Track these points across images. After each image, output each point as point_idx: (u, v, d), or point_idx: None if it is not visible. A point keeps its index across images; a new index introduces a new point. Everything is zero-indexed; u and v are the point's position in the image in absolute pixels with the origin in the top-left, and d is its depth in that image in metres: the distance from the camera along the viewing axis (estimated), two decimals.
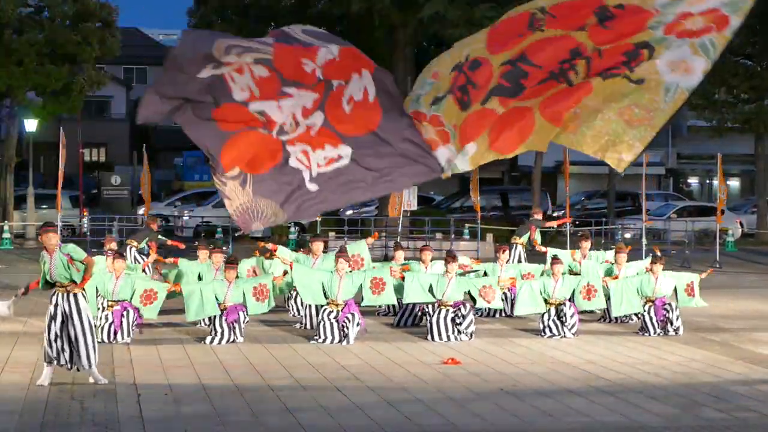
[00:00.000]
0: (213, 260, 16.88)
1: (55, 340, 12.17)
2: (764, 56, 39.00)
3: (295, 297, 17.58)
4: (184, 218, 37.45)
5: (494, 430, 10.56)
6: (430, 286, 16.00)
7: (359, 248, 17.98)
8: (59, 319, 12.18)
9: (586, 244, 18.72)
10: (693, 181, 56.28)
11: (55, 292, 12.28)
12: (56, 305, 12.23)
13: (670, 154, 54.37)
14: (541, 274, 17.63)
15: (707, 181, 53.91)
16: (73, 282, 12.19)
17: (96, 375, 12.31)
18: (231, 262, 16.09)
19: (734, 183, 56.80)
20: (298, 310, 17.47)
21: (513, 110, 19.06)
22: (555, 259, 16.92)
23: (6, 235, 32.57)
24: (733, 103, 39.84)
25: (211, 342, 15.29)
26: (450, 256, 16.38)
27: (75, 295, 12.23)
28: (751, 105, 39.46)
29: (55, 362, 12.24)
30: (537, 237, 21.80)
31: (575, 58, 19.53)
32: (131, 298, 15.49)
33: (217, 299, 15.52)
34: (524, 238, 21.60)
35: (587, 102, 19.45)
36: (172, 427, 10.43)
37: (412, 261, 18.31)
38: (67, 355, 12.21)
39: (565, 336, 16.14)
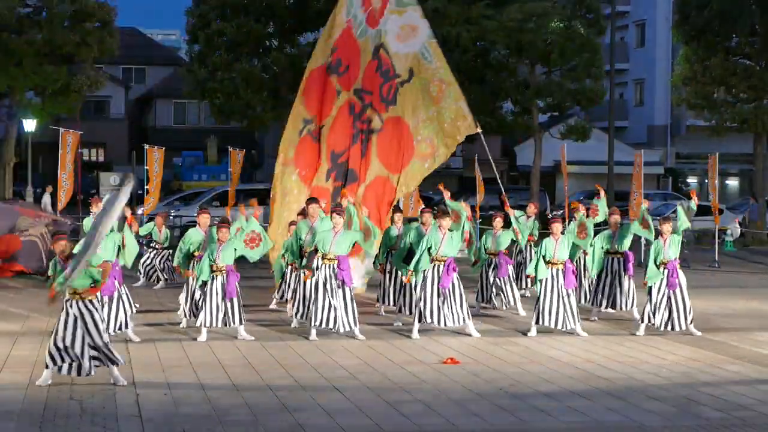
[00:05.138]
0: (200, 222, 16.77)
1: (64, 350, 12.08)
2: (763, 56, 39.00)
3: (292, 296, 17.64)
4: (170, 217, 37.10)
5: (493, 430, 10.56)
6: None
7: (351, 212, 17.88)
8: (71, 327, 12.10)
9: (558, 227, 18.34)
10: (692, 180, 56.26)
11: (68, 299, 12.20)
12: (68, 313, 12.14)
13: (669, 154, 54.36)
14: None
15: (706, 181, 53.85)
16: (91, 287, 12.15)
17: (116, 375, 12.30)
18: (223, 222, 16.09)
19: (733, 182, 56.80)
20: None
21: (369, 191, 20.15)
22: (554, 219, 16.82)
23: None
24: (731, 103, 39.83)
25: (205, 323, 15.35)
26: (441, 212, 16.54)
27: (91, 301, 12.19)
28: (750, 105, 39.44)
29: (57, 370, 12.16)
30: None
31: (360, 117, 20.68)
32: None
33: (210, 259, 15.58)
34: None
35: (412, 126, 20.42)
36: (170, 427, 10.42)
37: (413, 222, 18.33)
38: (74, 365, 12.13)
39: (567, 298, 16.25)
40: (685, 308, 16.49)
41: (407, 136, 19.41)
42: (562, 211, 33.07)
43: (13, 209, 15.24)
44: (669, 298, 16.46)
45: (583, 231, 18.00)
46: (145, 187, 28.84)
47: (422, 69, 19.37)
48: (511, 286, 18.68)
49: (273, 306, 18.80)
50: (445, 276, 15.99)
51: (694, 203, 18.42)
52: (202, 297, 15.59)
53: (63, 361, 12.08)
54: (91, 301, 12.20)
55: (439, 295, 15.94)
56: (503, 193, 19.47)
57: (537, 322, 16.33)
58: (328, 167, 19.86)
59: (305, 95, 20.42)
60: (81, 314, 12.12)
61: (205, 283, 15.60)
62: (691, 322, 16.51)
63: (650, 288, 16.50)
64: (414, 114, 19.38)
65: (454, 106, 19.15)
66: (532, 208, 21.39)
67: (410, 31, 19.69)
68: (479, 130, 19.01)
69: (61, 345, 12.04)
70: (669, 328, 16.44)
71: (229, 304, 15.57)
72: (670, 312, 16.47)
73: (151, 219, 24.36)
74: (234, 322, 15.64)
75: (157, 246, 22.46)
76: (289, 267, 17.93)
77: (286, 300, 18.17)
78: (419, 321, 16.02)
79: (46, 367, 12.17)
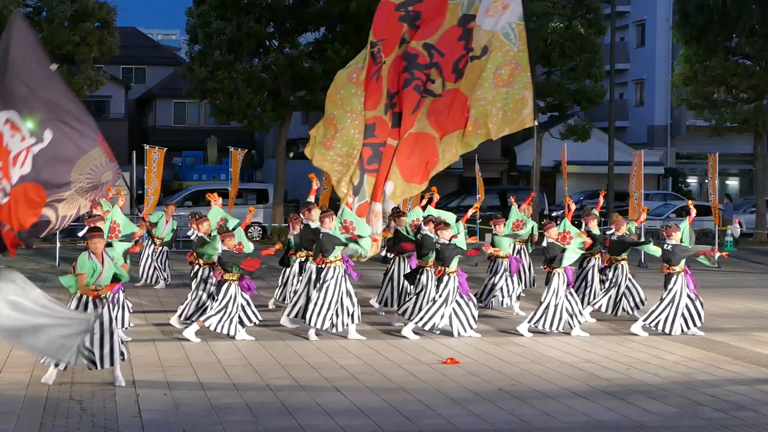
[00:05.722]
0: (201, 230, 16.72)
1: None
2: (763, 56, 39.01)
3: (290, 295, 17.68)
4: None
5: (493, 430, 10.55)
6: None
7: (348, 215, 17.63)
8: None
9: (553, 232, 18.34)
10: (692, 180, 56.27)
11: (81, 296, 12.21)
12: (86, 310, 12.12)
13: (669, 154, 54.36)
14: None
15: (706, 181, 53.88)
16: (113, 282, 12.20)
17: (118, 375, 12.29)
18: (226, 232, 16.06)
19: (733, 183, 56.80)
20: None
21: (408, 142, 19.53)
22: (548, 224, 16.84)
23: None
24: (732, 103, 39.85)
25: (217, 326, 15.40)
26: (443, 224, 16.39)
27: (106, 297, 12.22)
28: (750, 105, 39.46)
29: (64, 366, 12.19)
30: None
31: (423, 70, 19.97)
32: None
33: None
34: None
35: (470, 103, 19.81)
36: (170, 427, 10.42)
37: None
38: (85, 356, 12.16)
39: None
40: (698, 312, 16.63)
41: (462, 109, 18.91)
42: (562, 212, 33.11)
43: (96, 137, 14.12)
44: (686, 304, 16.57)
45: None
46: (145, 187, 28.84)
47: (499, 49, 18.81)
48: (513, 286, 18.70)
49: (271, 306, 18.75)
50: (463, 285, 16.14)
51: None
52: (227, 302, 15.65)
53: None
54: (106, 298, 12.20)
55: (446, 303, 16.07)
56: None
57: (538, 325, 16.31)
58: (385, 102, 19.17)
59: (374, 21, 19.52)
60: (104, 312, 12.15)
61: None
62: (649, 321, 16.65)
63: (670, 295, 16.53)
64: (472, 90, 18.94)
65: (518, 95, 18.83)
66: (528, 210, 21.34)
67: (501, 8, 19.10)
68: (535, 124, 18.82)
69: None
70: (680, 331, 16.53)
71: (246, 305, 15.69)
72: (684, 316, 16.59)
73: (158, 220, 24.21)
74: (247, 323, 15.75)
75: (156, 240, 22.38)
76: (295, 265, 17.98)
77: (283, 298, 18.26)
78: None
79: (55, 365, 12.18)
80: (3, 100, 13.60)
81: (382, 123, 18.55)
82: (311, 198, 17.83)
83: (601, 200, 20.20)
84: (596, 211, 18.96)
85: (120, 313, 15.36)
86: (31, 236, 14.10)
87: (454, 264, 15.97)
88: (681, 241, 16.68)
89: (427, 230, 17.08)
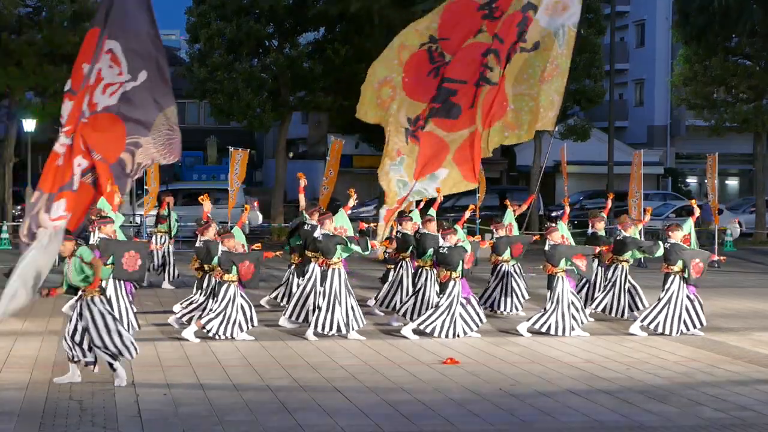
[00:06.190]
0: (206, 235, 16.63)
1: (80, 344, 12.15)
2: (763, 56, 39.00)
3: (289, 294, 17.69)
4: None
5: (493, 430, 10.55)
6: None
7: (342, 220, 17.55)
8: (80, 324, 12.15)
9: (556, 235, 18.25)
10: (691, 180, 56.26)
11: (79, 296, 12.27)
12: (73, 309, 12.27)
13: (668, 154, 54.36)
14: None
15: (705, 181, 53.89)
16: (90, 284, 12.16)
17: (119, 373, 12.26)
18: (226, 232, 16.04)
19: (733, 183, 56.80)
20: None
21: (466, 141, 19.30)
22: (550, 227, 16.83)
23: (4, 235, 32.53)
24: (731, 103, 39.84)
25: (218, 331, 15.39)
26: (449, 228, 16.33)
27: (91, 299, 12.18)
28: (750, 105, 39.45)
29: (77, 361, 12.24)
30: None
31: (486, 56, 19.80)
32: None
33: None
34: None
35: (508, 91, 19.57)
36: (170, 427, 10.42)
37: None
38: (89, 356, 12.21)
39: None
40: (698, 314, 16.63)
41: (503, 98, 18.81)
42: (561, 212, 33.08)
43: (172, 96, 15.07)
44: (686, 305, 16.57)
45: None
46: (145, 187, 28.81)
47: (549, 48, 18.70)
48: (522, 289, 18.64)
49: (265, 304, 18.64)
50: (464, 287, 16.13)
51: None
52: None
53: (81, 354, 12.16)
54: (93, 299, 12.17)
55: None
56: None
57: (543, 329, 16.30)
58: (433, 94, 18.99)
59: (442, 15, 19.29)
60: (80, 312, 12.15)
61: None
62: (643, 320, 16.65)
63: (669, 295, 16.52)
64: (515, 83, 18.82)
65: (550, 97, 18.79)
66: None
67: (560, 9, 18.99)
68: (554, 129, 18.81)
69: (74, 340, 12.16)
70: (679, 332, 16.52)
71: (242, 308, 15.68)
72: (684, 318, 16.58)
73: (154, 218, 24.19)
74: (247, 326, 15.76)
75: (164, 231, 22.37)
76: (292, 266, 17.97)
77: (276, 297, 18.29)
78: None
79: (74, 360, 12.25)
80: (109, 30, 14.85)
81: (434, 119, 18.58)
82: (301, 197, 17.91)
83: (609, 203, 20.06)
84: (604, 214, 18.90)
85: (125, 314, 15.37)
86: (118, 178, 14.77)
87: (460, 268, 15.93)
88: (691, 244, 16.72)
89: (426, 230, 17.07)
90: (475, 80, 18.91)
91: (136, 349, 12.35)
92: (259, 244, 16.33)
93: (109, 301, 12.79)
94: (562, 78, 18.81)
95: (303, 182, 18.02)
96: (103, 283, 12.47)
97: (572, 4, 18.76)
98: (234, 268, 15.47)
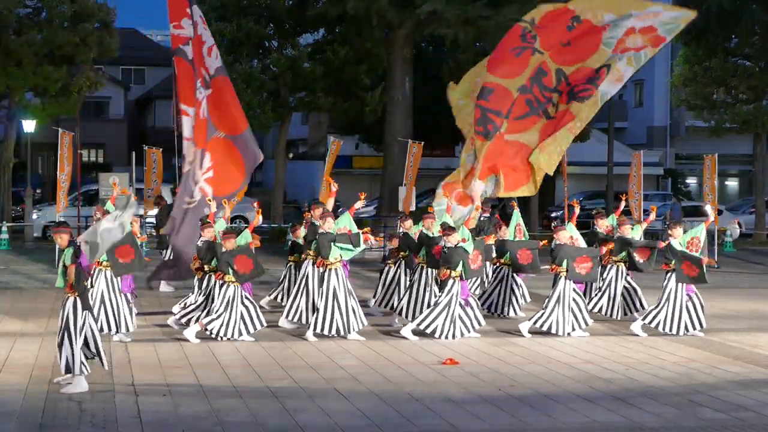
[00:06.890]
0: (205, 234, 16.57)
1: (85, 345, 12.15)
2: (762, 57, 38.99)
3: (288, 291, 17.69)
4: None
5: (493, 430, 10.55)
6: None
7: (345, 221, 17.51)
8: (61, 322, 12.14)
9: (564, 235, 18.21)
10: (691, 181, 56.24)
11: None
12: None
13: (668, 155, 54.36)
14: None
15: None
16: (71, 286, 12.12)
17: (67, 383, 12.03)
18: (228, 233, 16.03)
19: (732, 183, 56.80)
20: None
21: (518, 151, 19.04)
22: (558, 227, 16.85)
23: (4, 236, 32.52)
24: (731, 104, 39.83)
25: (218, 332, 15.37)
26: (449, 227, 16.27)
27: (67, 299, 12.13)
28: (750, 105, 39.44)
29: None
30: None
31: (552, 92, 19.65)
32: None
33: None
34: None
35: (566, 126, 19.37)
36: (169, 428, 10.41)
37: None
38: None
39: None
40: (698, 314, 16.64)
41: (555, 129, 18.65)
42: (561, 212, 33.10)
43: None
44: (687, 304, 16.57)
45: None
46: (145, 187, 28.80)
47: (591, 106, 18.50)
48: (523, 291, 18.64)
49: (265, 305, 18.65)
50: (463, 289, 16.13)
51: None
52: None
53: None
54: (70, 299, 12.09)
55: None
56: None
57: (546, 330, 16.30)
58: (524, 84, 18.73)
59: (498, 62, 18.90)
60: (64, 312, 12.12)
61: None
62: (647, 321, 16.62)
63: (668, 294, 16.51)
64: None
65: (562, 147, 18.68)
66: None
67: (615, 80, 18.64)
68: (551, 171, 18.73)
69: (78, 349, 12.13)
70: (682, 332, 16.52)
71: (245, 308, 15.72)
72: (683, 317, 16.57)
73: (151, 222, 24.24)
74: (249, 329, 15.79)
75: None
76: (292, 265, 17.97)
77: (276, 297, 18.29)
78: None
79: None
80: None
81: (504, 94, 18.26)
82: (330, 200, 17.86)
83: (622, 205, 19.90)
84: (615, 216, 18.86)
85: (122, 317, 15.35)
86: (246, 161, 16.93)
87: (459, 268, 15.92)
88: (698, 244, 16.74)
89: (424, 228, 17.09)
90: (540, 101, 18.71)
91: (86, 369, 12.01)
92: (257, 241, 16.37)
93: (89, 308, 12.34)
94: (572, 135, 18.61)
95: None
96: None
97: (624, 77, 18.60)
98: (230, 269, 15.47)
